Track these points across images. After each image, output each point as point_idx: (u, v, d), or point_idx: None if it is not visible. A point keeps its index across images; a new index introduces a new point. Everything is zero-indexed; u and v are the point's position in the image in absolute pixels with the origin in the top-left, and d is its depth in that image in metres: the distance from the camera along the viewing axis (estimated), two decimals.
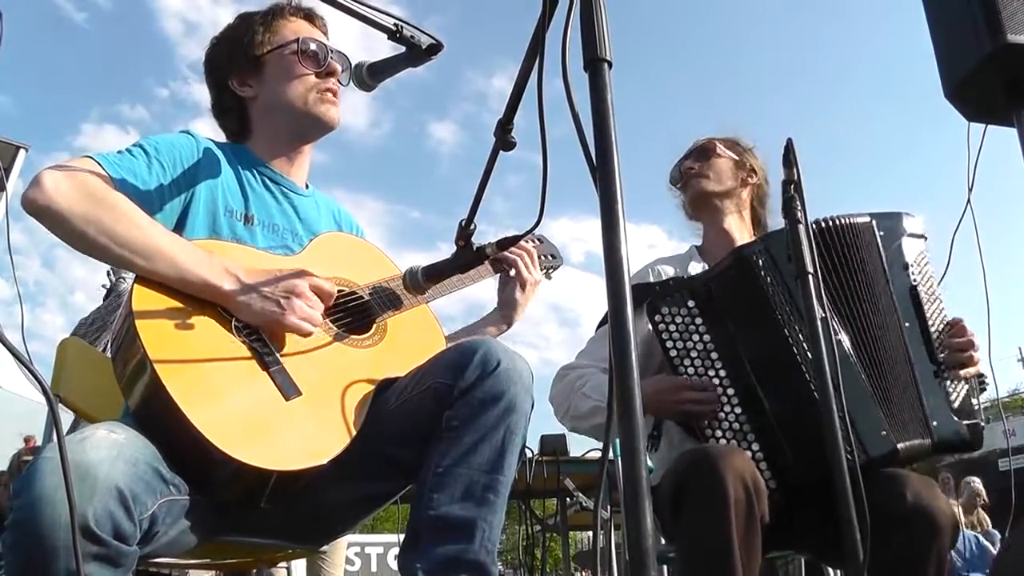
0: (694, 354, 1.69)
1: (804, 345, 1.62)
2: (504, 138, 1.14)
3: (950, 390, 1.69)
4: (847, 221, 1.77)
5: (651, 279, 1.96)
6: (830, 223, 1.76)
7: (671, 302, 1.72)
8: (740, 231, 2.04)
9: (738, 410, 1.65)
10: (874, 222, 1.78)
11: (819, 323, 1.38)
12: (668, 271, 1.99)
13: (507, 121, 1.13)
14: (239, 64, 1.61)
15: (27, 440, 5.50)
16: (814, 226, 1.74)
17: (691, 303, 1.72)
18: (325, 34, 1.67)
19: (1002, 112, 1.19)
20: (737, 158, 2.06)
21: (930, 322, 1.73)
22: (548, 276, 1.96)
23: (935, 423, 1.64)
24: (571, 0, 0.89)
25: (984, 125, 1.35)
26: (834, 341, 1.55)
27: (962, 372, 1.71)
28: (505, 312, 1.71)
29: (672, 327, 1.71)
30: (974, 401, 1.70)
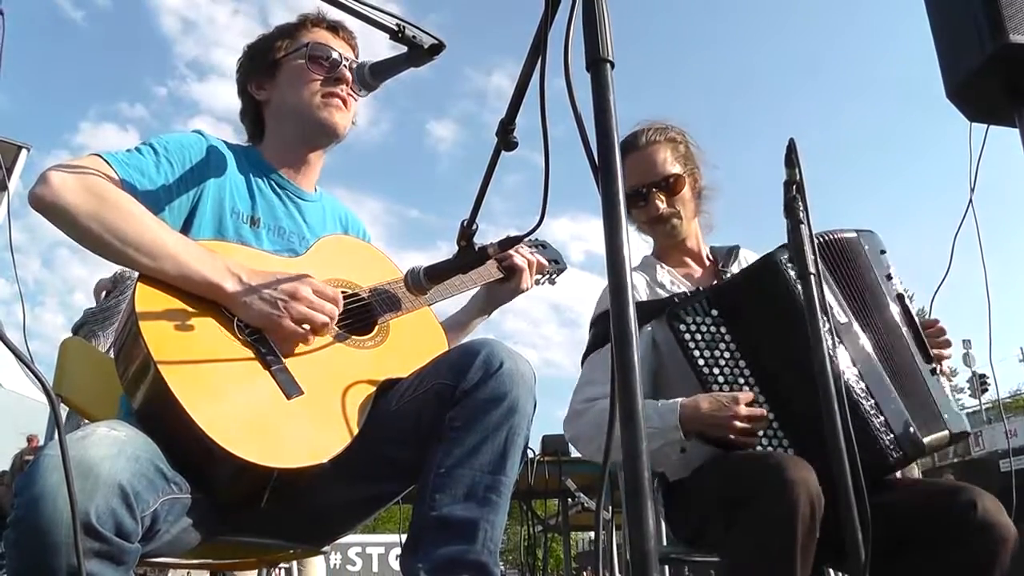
0: (723, 362, 1.69)
1: (832, 349, 1.64)
2: (506, 138, 1.14)
3: (943, 386, 1.77)
4: (838, 236, 1.82)
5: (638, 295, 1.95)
6: (833, 235, 1.81)
7: (693, 311, 1.71)
8: (690, 232, 2.04)
9: (771, 416, 1.64)
10: (859, 236, 1.85)
11: (821, 324, 1.38)
12: (640, 281, 1.98)
13: (509, 121, 1.13)
14: (258, 68, 1.66)
15: (30, 439, 5.51)
16: (826, 237, 1.79)
17: (715, 312, 1.71)
18: (351, 47, 1.69)
19: (1004, 112, 1.19)
20: (689, 172, 2.01)
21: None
22: (552, 281, 1.96)
23: (946, 416, 1.70)
24: (573, 0, 0.89)
25: (986, 125, 1.35)
26: (832, 346, 1.57)
27: (943, 363, 1.79)
28: (490, 306, 1.80)
29: (698, 336, 1.70)
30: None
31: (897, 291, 1.81)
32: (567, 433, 1.89)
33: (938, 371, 1.77)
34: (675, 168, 1.98)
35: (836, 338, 1.67)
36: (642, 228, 2.05)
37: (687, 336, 1.70)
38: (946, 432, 1.68)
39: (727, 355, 1.69)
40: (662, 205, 1.96)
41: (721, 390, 1.67)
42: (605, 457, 0.91)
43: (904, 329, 1.77)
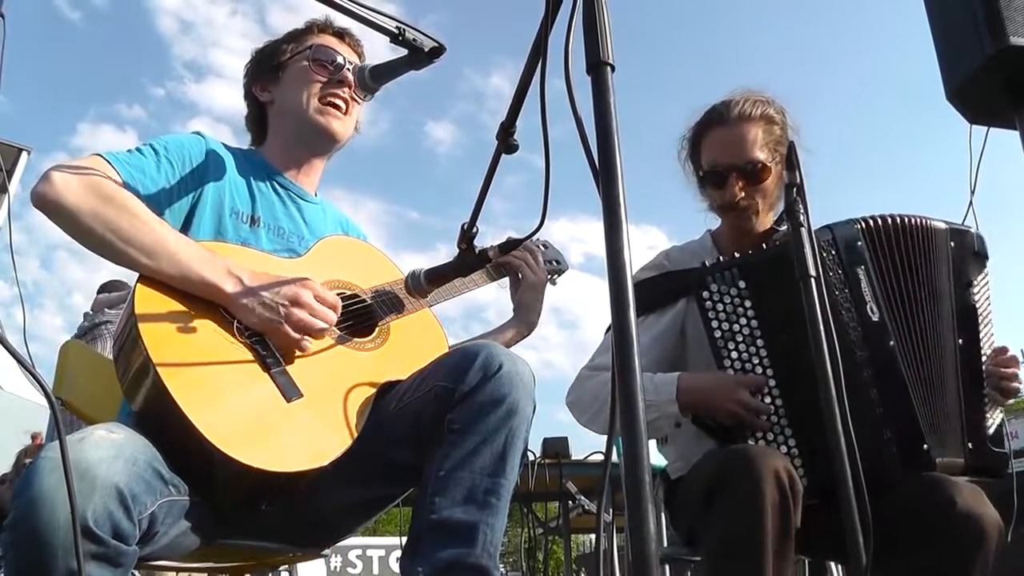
0: (739, 338, 1.62)
1: (856, 341, 1.59)
2: (506, 141, 1.14)
3: (987, 415, 1.69)
4: (926, 223, 1.70)
5: (670, 267, 1.89)
6: (910, 221, 1.70)
7: (720, 279, 1.62)
8: (764, 224, 1.87)
9: (779, 402, 1.59)
10: (950, 231, 1.73)
11: (821, 326, 1.36)
12: (684, 257, 1.91)
13: (509, 124, 1.13)
14: (264, 71, 1.69)
15: (34, 437, 5.46)
16: (889, 220, 1.69)
17: (742, 284, 1.62)
18: (357, 53, 1.71)
19: (1004, 114, 1.18)
20: (778, 157, 1.80)
21: (982, 346, 1.71)
22: (553, 282, 1.96)
23: (971, 445, 1.64)
24: (574, 3, 0.89)
25: (986, 127, 1.35)
26: (837, 346, 1.51)
27: (1003, 398, 1.71)
28: (521, 315, 1.74)
29: (720, 306, 1.62)
30: (1003, 431, 1.71)
31: (971, 303, 1.70)
32: (568, 397, 1.86)
33: (985, 399, 1.68)
34: (763, 154, 1.77)
35: (860, 335, 1.61)
36: (712, 209, 1.89)
37: (708, 303, 1.62)
38: (962, 460, 1.62)
39: (746, 331, 1.61)
40: (740, 193, 1.77)
41: (733, 366, 1.61)
42: (606, 460, 0.91)
43: (959, 343, 1.67)
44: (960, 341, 1.69)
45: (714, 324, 1.63)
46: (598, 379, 1.80)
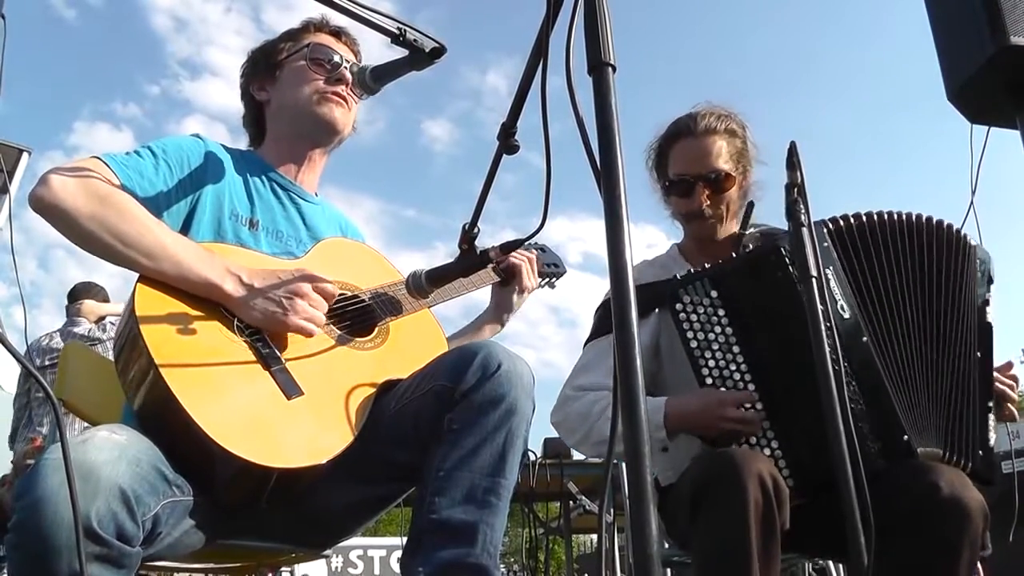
0: (715, 346, 1.63)
1: (828, 343, 1.61)
2: (507, 142, 1.14)
3: (991, 427, 1.74)
4: (971, 242, 1.75)
5: (640, 281, 1.92)
6: (958, 234, 1.74)
7: (693, 291, 1.65)
8: (727, 232, 1.93)
9: (759, 405, 1.60)
10: (976, 248, 1.78)
11: (822, 325, 1.36)
12: (650, 271, 1.94)
13: (510, 125, 1.13)
14: (260, 71, 1.69)
15: (33, 439, 5.48)
16: (864, 218, 1.71)
17: (714, 293, 1.65)
18: (353, 52, 1.71)
19: (1005, 114, 1.19)
20: (741, 170, 1.90)
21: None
22: (552, 285, 1.96)
23: (980, 452, 1.68)
24: (575, 3, 0.89)
25: (987, 127, 1.36)
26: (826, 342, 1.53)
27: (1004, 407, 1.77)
28: (501, 314, 1.78)
29: (694, 316, 1.64)
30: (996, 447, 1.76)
31: (988, 321, 1.75)
32: (553, 417, 1.86)
33: (991, 412, 1.72)
34: (727, 165, 1.86)
35: (833, 332, 1.58)
36: (676, 217, 1.95)
37: (683, 315, 1.65)
38: (966, 462, 1.65)
39: (721, 339, 1.63)
40: (706, 202, 1.85)
41: (711, 374, 1.63)
42: (607, 460, 0.91)
43: (977, 355, 1.71)
44: (978, 354, 1.73)
45: (689, 335, 1.65)
46: (585, 399, 1.79)
